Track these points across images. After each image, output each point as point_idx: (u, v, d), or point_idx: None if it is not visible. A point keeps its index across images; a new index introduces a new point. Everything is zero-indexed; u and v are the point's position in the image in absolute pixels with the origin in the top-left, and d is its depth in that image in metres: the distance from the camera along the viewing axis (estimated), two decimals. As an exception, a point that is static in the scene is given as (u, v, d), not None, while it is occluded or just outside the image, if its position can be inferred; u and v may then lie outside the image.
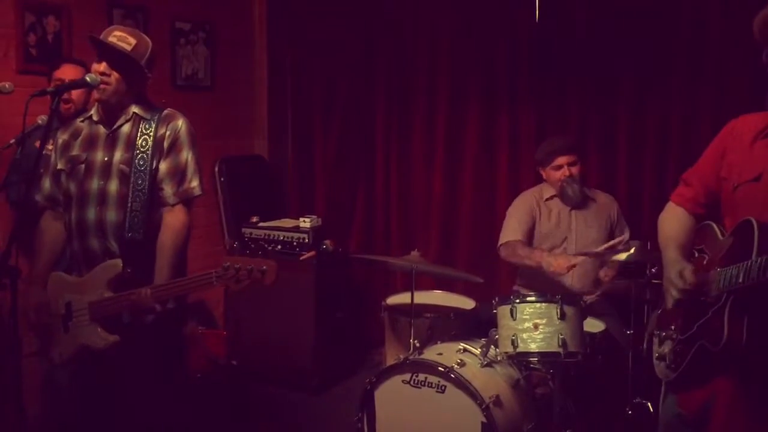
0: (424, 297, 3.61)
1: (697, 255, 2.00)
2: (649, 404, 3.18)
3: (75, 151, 2.52)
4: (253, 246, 3.85)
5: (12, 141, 3.11)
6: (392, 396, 2.83)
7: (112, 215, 2.45)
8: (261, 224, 4.32)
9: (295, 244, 4.17)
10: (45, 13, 3.61)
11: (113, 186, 2.46)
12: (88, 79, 2.52)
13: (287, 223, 4.35)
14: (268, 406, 3.91)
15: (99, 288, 2.41)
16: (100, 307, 2.40)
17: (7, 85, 2.76)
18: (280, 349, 4.12)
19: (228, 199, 4.41)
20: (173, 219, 2.50)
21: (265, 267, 2.18)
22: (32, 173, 2.46)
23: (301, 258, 4.10)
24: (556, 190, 3.59)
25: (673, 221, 2.13)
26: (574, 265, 3.27)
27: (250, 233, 4.31)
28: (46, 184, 2.59)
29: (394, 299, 3.63)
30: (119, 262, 2.41)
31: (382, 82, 4.55)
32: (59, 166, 2.54)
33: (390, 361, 3.29)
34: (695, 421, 1.95)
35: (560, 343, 2.69)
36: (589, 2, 3.89)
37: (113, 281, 2.41)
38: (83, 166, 2.49)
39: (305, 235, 4.16)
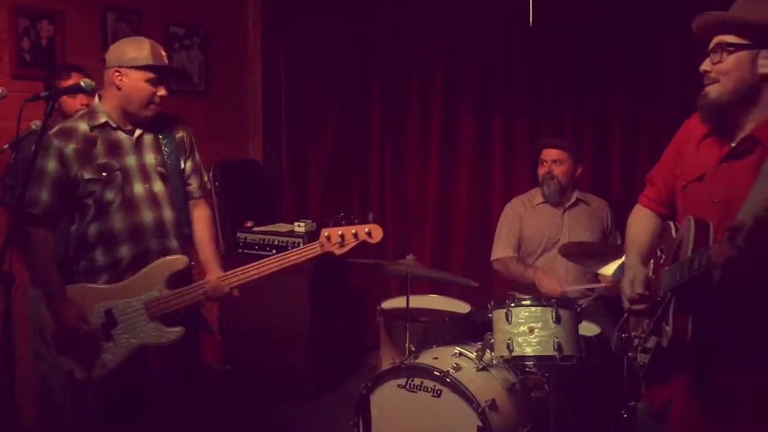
0: (419, 301, 3.61)
1: (659, 254, 2.04)
2: (638, 405, 3.18)
3: (102, 159, 2.44)
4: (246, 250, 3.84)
5: (6, 146, 3.11)
6: (388, 400, 2.82)
7: (168, 214, 2.52)
8: (256, 229, 4.32)
9: (290, 248, 4.15)
10: (39, 17, 3.60)
11: (158, 187, 2.52)
12: (83, 84, 2.52)
13: (282, 227, 4.34)
14: (263, 411, 3.90)
15: (155, 286, 2.43)
16: (161, 304, 2.43)
17: (0, 90, 2.75)
18: (275, 354, 4.11)
19: (223, 204, 4.40)
20: (203, 211, 2.68)
21: (368, 229, 2.41)
22: (26, 177, 2.45)
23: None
24: (540, 186, 3.65)
25: (637, 224, 2.19)
26: (565, 291, 3.33)
27: (245, 238, 4.30)
28: (44, 195, 2.41)
29: (389, 303, 3.63)
30: (184, 257, 2.49)
31: (377, 87, 4.56)
32: (87, 176, 2.41)
33: (385, 365, 3.29)
34: (660, 416, 2.00)
35: (556, 347, 2.69)
36: (584, 6, 3.91)
37: (173, 277, 2.44)
38: (119, 172, 2.45)
39: (300, 240, 4.14)
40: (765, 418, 1.76)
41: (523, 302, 2.81)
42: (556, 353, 2.69)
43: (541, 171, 3.61)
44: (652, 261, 2.05)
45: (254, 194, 4.67)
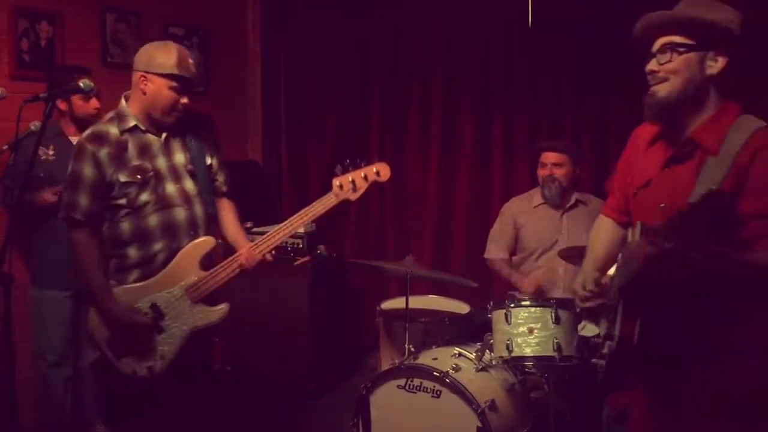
0: (418, 302, 3.60)
1: (619, 260, 2.07)
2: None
3: (135, 162, 2.50)
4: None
5: (5, 147, 3.11)
6: (387, 401, 2.82)
7: (199, 211, 2.59)
8: (255, 229, 4.31)
9: (289, 249, 4.16)
10: (38, 18, 3.60)
11: (189, 185, 2.58)
12: (81, 85, 2.53)
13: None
14: (263, 411, 3.90)
15: (190, 271, 2.51)
16: (201, 287, 2.51)
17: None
18: (275, 355, 4.11)
19: (222, 205, 4.40)
20: (229, 203, 2.79)
21: (376, 169, 2.53)
22: (26, 178, 2.45)
23: (295, 263, 4.09)
24: (540, 187, 3.65)
25: (596, 234, 2.23)
26: (539, 284, 3.45)
27: (245, 238, 4.30)
28: (83, 200, 2.46)
29: (388, 304, 3.63)
30: (211, 237, 2.57)
31: (377, 87, 4.56)
32: (123, 179, 2.47)
33: (385, 366, 3.29)
34: (622, 418, 2.02)
35: (555, 348, 2.69)
36: (583, 6, 3.91)
37: (205, 259, 2.53)
38: (152, 174, 2.51)
39: (300, 241, 4.15)
40: (717, 417, 1.78)
41: (523, 303, 2.81)
42: (555, 354, 2.68)
43: (542, 174, 3.61)
44: (614, 267, 2.08)
45: (254, 195, 4.66)
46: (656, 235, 1.57)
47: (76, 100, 3.26)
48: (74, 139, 3.33)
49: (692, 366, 1.81)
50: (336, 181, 2.54)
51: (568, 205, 3.63)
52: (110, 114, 2.57)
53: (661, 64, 1.84)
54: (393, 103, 4.52)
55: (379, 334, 3.59)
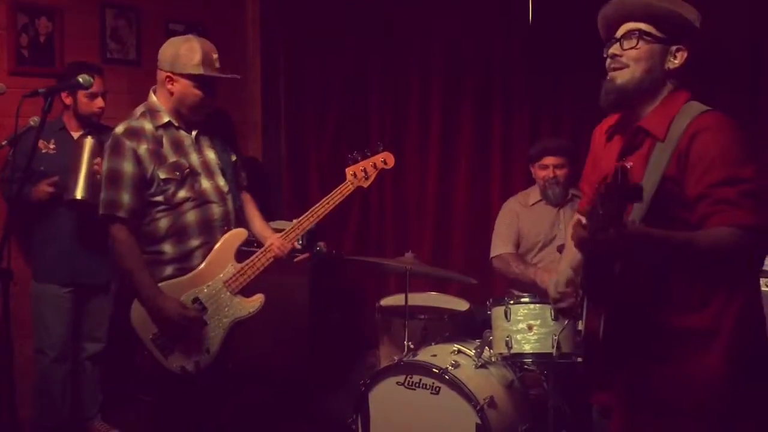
0: (418, 298, 3.61)
1: None
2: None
3: (172, 159, 2.50)
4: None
5: (4, 142, 3.11)
6: (386, 398, 2.83)
7: (230, 206, 2.63)
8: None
9: (288, 245, 4.16)
10: (37, 14, 3.60)
11: (221, 181, 2.62)
12: (81, 80, 2.53)
13: (281, 225, 4.32)
14: (262, 409, 3.90)
15: (228, 263, 2.57)
16: (239, 278, 2.58)
17: (-1, 86, 2.76)
18: (273, 352, 4.10)
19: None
20: (250, 197, 2.86)
21: (383, 158, 2.76)
22: (26, 171, 2.45)
23: (294, 260, 4.07)
24: (540, 188, 3.65)
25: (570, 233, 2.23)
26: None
27: (244, 235, 4.30)
28: (126, 197, 2.44)
29: (388, 301, 3.63)
30: (243, 229, 2.65)
31: (377, 83, 4.55)
32: (162, 176, 2.47)
33: (384, 362, 3.29)
34: (607, 413, 2.04)
35: (554, 345, 2.69)
36: (584, 5, 3.90)
37: (239, 250, 2.59)
38: (189, 170, 2.53)
39: (300, 238, 4.14)
40: (687, 412, 1.77)
41: (522, 300, 2.82)
42: (554, 351, 2.69)
43: (544, 175, 3.58)
44: None
45: (253, 191, 4.65)
46: (580, 220, 1.60)
47: (82, 97, 3.28)
48: (75, 135, 3.34)
49: (654, 358, 1.81)
50: (350, 171, 2.73)
51: (564, 201, 3.64)
52: (140, 109, 2.55)
53: (624, 50, 1.85)
54: (392, 100, 4.51)
55: (378, 330, 3.60)
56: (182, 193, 2.50)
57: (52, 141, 3.29)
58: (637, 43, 1.84)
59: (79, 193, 3.12)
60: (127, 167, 2.43)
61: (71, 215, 3.29)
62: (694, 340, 1.77)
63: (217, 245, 2.56)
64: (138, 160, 2.44)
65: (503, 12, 4.10)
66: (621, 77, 1.86)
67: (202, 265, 2.54)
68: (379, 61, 4.52)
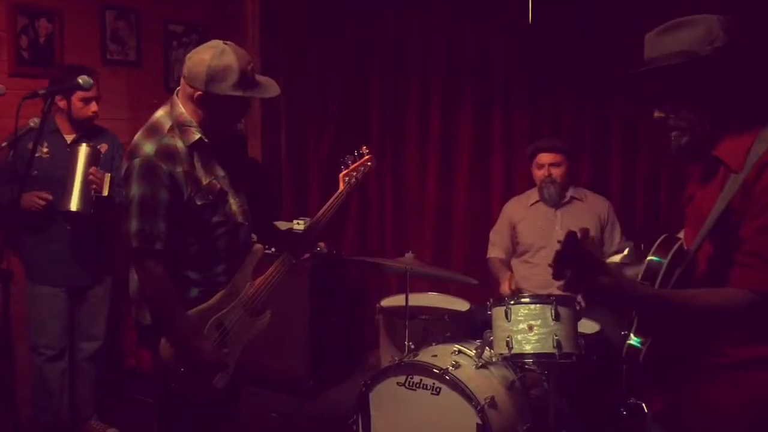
0: (418, 299, 3.61)
1: None
2: (643, 405, 3.18)
3: (205, 181, 2.28)
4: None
5: (4, 144, 3.10)
6: (387, 398, 2.82)
7: (250, 223, 2.48)
8: (255, 227, 4.31)
9: (289, 246, 4.15)
10: (37, 15, 3.59)
11: (243, 198, 2.46)
12: (80, 81, 2.52)
13: (281, 225, 4.33)
14: (263, 410, 3.90)
15: (246, 282, 2.47)
16: (257, 297, 2.51)
17: (-2, 88, 2.76)
18: (274, 352, 4.10)
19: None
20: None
21: (369, 163, 2.85)
22: (24, 179, 2.44)
23: (295, 261, 4.08)
24: (537, 188, 3.67)
25: None
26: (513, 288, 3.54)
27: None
28: (162, 228, 2.18)
29: (388, 301, 3.63)
30: (260, 246, 2.55)
31: (377, 83, 4.55)
32: (199, 202, 2.25)
33: (385, 363, 3.28)
34: (655, 417, 2.02)
35: (555, 345, 2.69)
36: (584, 5, 3.90)
37: (255, 268, 2.52)
38: (219, 190, 2.33)
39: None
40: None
41: (523, 300, 2.81)
42: (555, 351, 2.68)
43: (540, 174, 3.61)
44: (619, 256, 2.17)
45: (253, 192, 4.64)
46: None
47: (76, 101, 3.24)
48: (68, 138, 3.32)
49: (680, 384, 1.80)
50: (345, 177, 2.80)
51: (563, 202, 3.64)
52: (164, 119, 2.27)
53: (664, 114, 1.77)
54: (393, 100, 4.51)
55: (378, 331, 3.60)
56: (216, 218, 2.31)
57: (45, 144, 3.24)
58: (671, 113, 1.75)
59: (73, 205, 3.08)
60: (163, 194, 2.17)
61: (64, 224, 3.26)
62: (752, 365, 1.68)
63: (242, 267, 2.45)
64: (175, 184, 2.19)
65: (503, 12, 4.10)
66: (680, 139, 1.76)
67: (226, 288, 2.40)
68: (379, 61, 4.52)
